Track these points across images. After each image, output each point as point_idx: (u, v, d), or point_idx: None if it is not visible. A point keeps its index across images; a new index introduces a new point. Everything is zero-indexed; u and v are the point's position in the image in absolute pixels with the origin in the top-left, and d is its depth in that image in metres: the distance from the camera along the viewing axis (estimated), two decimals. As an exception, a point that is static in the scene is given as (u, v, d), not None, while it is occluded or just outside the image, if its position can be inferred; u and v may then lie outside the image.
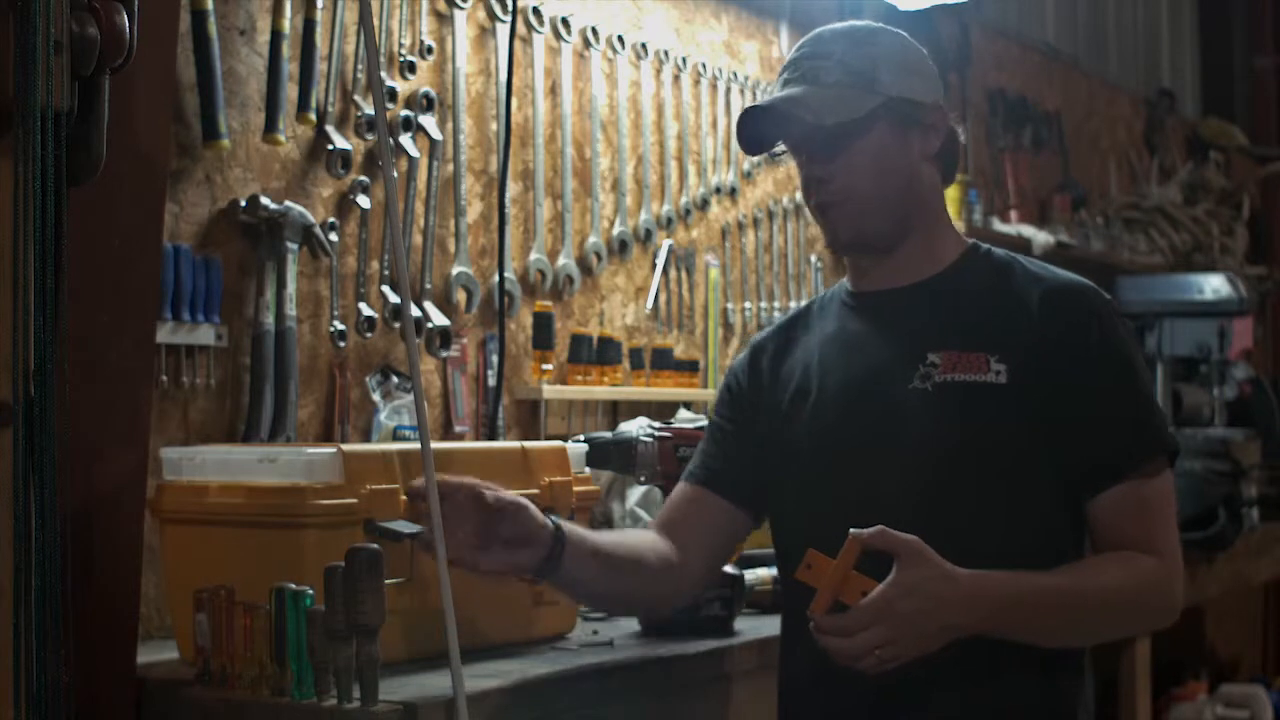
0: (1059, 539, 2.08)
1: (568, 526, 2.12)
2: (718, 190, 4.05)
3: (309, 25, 2.90)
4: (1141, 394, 2.10)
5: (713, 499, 2.27)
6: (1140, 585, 2.04)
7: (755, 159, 4.15)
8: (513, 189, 3.40)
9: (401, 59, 3.13)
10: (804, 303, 2.40)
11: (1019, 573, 1.98)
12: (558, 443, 2.63)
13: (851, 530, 1.90)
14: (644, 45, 3.78)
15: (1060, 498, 2.08)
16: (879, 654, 1.88)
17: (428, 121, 3.17)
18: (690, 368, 3.82)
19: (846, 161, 2.11)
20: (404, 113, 3.12)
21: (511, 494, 2.08)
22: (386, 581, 2.05)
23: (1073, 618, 2.03)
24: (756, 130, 2.16)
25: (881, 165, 2.12)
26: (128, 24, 1.84)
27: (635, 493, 3.23)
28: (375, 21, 3.03)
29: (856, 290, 2.23)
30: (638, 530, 2.50)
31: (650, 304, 3.82)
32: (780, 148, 2.20)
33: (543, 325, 3.38)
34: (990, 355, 2.07)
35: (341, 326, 2.98)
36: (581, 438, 2.76)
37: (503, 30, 3.35)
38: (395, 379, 3.09)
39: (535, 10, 3.45)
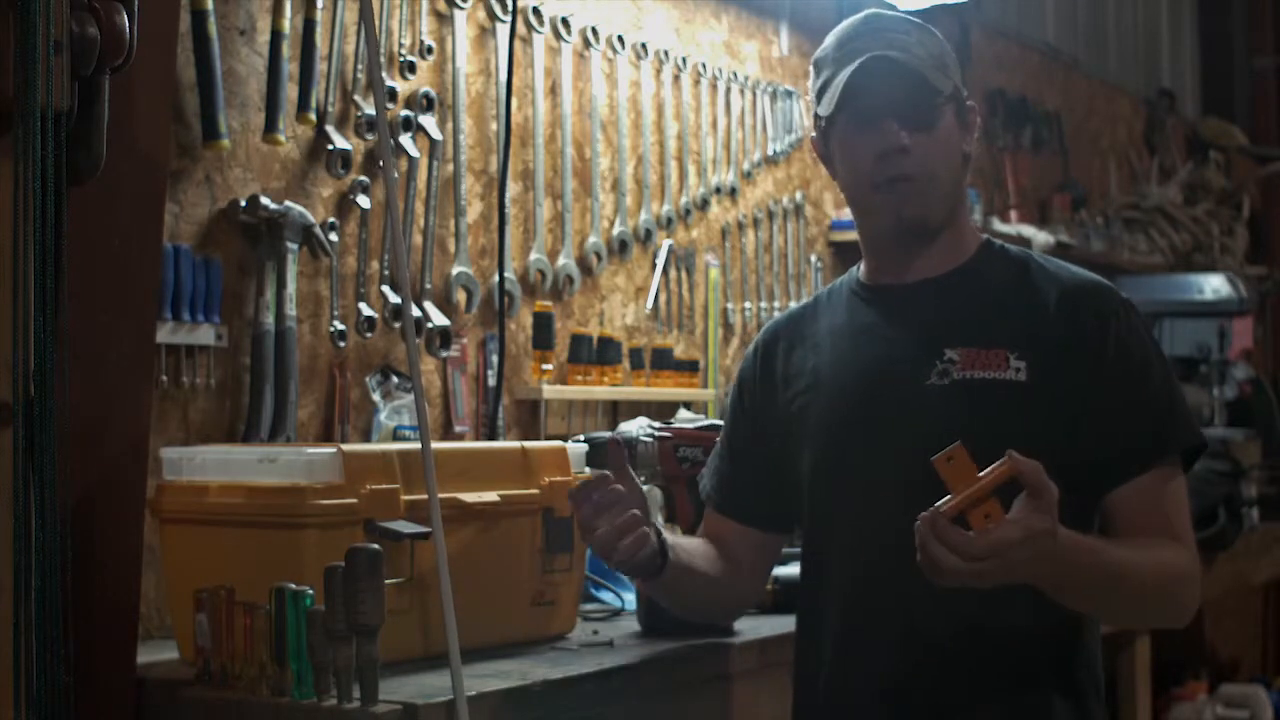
0: None
1: (667, 536, 2.15)
2: (718, 190, 4.05)
3: (309, 25, 2.90)
4: (1163, 389, 2.08)
5: (737, 526, 2.29)
6: (1179, 572, 2.01)
7: (754, 162, 4.16)
8: (513, 189, 3.40)
9: (401, 59, 3.13)
10: (811, 296, 2.38)
11: (1096, 539, 1.96)
12: (558, 443, 2.62)
13: (1010, 452, 1.79)
14: (644, 45, 3.78)
15: (1069, 497, 2.06)
16: (968, 581, 1.79)
17: (428, 121, 3.17)
18: (690, 368, 3.82)
19: (930, 137, 2.08)
20: (404, 113, 3.12)
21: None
22: (386, 581, 2.05)
23: (1123, 592, 1.97)
24: (864, 84, 2.08)
25: (949, 148, 2.11)
26: (128, 24, 1.84)
27: (635, 493, 3.23)
28: (375, 21, 3.03)
29: (871, 283, 2.20)
30: (698, 540, 2.47)
31: (650, 304, 3.82)
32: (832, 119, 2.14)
33: (543, 325, 3.38)
34: (1009, 352, 2.05)
35: (341, 326, 2.98)
36: (581, 438, 2.75)
37: (503, 30, 3.35)
38: (395, 379, 3.09)
39: (535, 10, 3.45)
